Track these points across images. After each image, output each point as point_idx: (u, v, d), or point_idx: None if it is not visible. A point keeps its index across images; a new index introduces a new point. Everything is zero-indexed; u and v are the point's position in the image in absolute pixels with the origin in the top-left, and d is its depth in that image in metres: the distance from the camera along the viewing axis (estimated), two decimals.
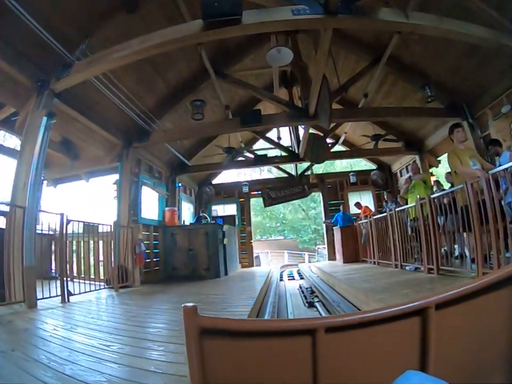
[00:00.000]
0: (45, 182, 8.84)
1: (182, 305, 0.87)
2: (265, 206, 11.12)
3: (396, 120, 8.95)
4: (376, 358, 0.98)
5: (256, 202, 31.79)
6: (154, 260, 8.40)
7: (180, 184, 9.87)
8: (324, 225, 11.38)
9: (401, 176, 11.04)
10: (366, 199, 11.66)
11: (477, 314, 1.05)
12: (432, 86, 6.43)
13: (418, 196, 5.61)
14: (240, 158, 9.90)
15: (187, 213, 10.93)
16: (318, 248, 14.71)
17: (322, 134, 9.08)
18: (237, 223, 11.19)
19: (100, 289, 5.75)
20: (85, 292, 5.06)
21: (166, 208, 8.98)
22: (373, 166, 11.89)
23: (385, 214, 7.28)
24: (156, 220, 8.67)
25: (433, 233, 5.06)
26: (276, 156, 9.13)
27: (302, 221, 29.90)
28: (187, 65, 7.36)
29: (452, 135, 4.57)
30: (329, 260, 10.93)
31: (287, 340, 0.96)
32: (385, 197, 8.48)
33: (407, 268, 6.09)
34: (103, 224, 6.25)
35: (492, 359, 1.06)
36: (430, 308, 0.98)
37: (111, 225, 6.27)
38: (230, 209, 11.62)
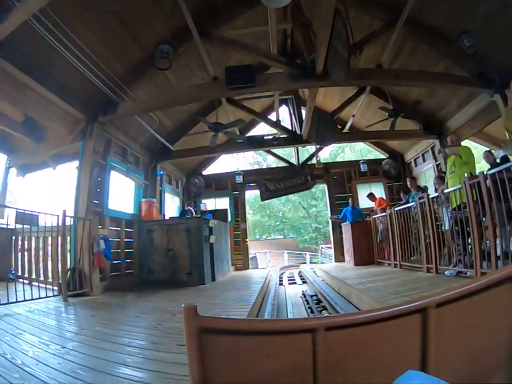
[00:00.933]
0: (13, 171, 7.67)
1: (183, 305, 0.89)
2: (262, 199, 9.63)
3: (413, 95, 7.48)
4: (377, 357, 0.98)
5: (254, 200, 30.69)
6: (127, 261, 6.92)
7: (162, 172, 8.39)
8: (330, 221, 9.88)
9: (415, 166, 9.64)
10: (377, 192, 10.16)
11: (478, 314, 1.04)
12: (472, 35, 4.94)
13: (466, 175, 4.12)
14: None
15: (172, 207, 9.45)
16: (322, 248, 13.18)
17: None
18: (229, 219, 9.71)
19: (45, 297, 4.43)
20: (16, 302, 3.81)
21: (143, 200, 7.49)
22: (383, 156, 10.44)
23: (411, 203, 5.81)
24: (129, 214, 7.18)
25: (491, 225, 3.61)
26: (273, 138, 7.65)
27: (303, 219, 28.61)
28: (164, 23, 5.92)
29: (508, 90, 3.82)
30: (336, 261, 9.42)
31: (287, 338, 0.97)
32: (408, 184, 6.98)
33: (446, 272, 4.63)
34: (46, 214, 4.78)
35: (493, 359, 1.04)
36: (431, 308, 0.99)
37: (57, 216, 4.77)
38: (222, 203, 10.13)
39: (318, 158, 7.33)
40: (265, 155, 23.07)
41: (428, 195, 5.13)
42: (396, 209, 6.37)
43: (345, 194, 10.10)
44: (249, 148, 7.54)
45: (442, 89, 6.74)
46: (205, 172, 10.81)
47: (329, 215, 9.81)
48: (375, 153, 11.16)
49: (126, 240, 6.98)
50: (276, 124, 8.01)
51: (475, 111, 6.57)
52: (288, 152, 12.67)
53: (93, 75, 5.06)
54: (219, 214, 8.73)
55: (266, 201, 30.60)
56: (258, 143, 7.43)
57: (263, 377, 0.93)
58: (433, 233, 4.98)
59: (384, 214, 7.05)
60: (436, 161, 8.41)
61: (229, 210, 9.81)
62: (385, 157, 10.27)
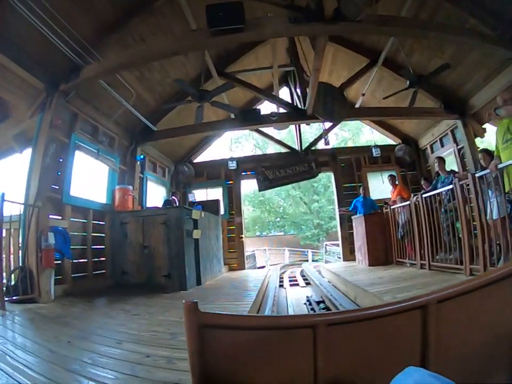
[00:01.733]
0: None
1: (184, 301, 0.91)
2: (260, 189, 8.42)
3: (433, 68, 6.27)
4: (378, 352, 0.99)
5: (253, 194, 29.50)
6: (96, 260, 5.76)
7: (142, 156, 7.19)
8: (338, 215, 8.64)
9: (432, 152, 8.42)
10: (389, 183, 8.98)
11: (479, 311, 1.04)
12: None
13: None
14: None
15: (157, 198, 8.24)
16: (326, 245, 11.95)
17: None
18: (222, 211, 8.50)
19: None
20: None
21: (117, 187, 6.30)
22: (393, 142, 9.25)
23: (443, 189, 4.63)
24: (99, 203, 5.99)
25: None
26: (272, 113, 6.41)
27: (304, 215, 27.52)
28: None
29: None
30: (344, 260, 8.20)
31: (288, 333, 0.98)
32: (435, 166, 5.73)
33: None
34: None
35: (493, 355, 1.04)
36: (431, 304, 1.00)
37: None
38: (214, 194, 8.92)
39: (327, 139, 6.08)
40: (265, 143, 21.53)
41: (474, 174, 3.90)
42: (424, 196, 5.15)
43: (355, 184, 8.90)
44: (243, 124, 6.31)
45: (469, 58, 5.69)
46: (195, 160, 9.60)
47: (337, 207, 8.57)
48: (385, 141, 9.88)
49: (94, 234, 5.79)
50: (275, 98, 6.78)
51: (508, 82, 5.35)
52: (288, 137, 11.42)
53: (55, 35, 4.13)
54: (210, 206, 7.53)
55: (266, 196, 29.77)
56: (254, 119, 6.21)
57: (264, 369, 0.94)
58: (481, 225, 3.78)
59: (406, 203, 5.84)
60: (458, 145, 7.25)
61: (222, 202, 8.61)
62: (396, 144, 9.07)
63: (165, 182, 8.78)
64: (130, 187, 6.46)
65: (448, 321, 1.01)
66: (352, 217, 7.48)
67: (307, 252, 18.83)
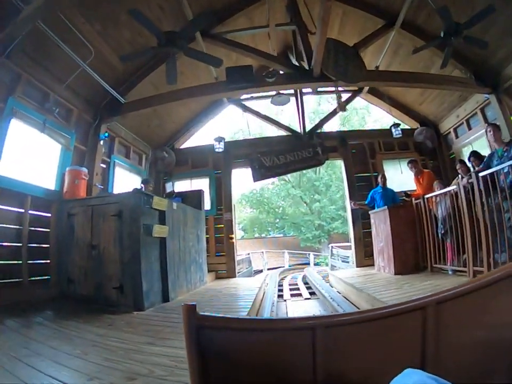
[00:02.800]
0: None
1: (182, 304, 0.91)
2: (255, 179, 6.88)
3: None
4: (377, 354, 0.99)
5: (251, 195, 27.94)
6: (35, 262, 4.30)
7: (106, 134, 5.69)
8: (349, 210, 7.07)
9: (456, 137, 7.07)
10: (408, 173, 7.47)
11: (478, 312, 1.03)
12: None
13: None
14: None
15: (130, 188, 6.68)
16: (332, 247, 10.32)
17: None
18: (208, 206, 6.99)
19: None
20: None
21: (67, 169, 4.81)
22: (407, 127, 7.83)
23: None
24: (42, 188, 4.52)
25: None
26: (269, 72, 4.90)
27: (305, 216, 25.99)
28: None
29: None
30: (358, 266, 6.65)
31: (287, 335, 0.98)
32: (489, 136, 4.17)
33: None
34: None
35: (493, 356, 1.01)
36: (430, 306, 0.99)
37: None
38: (200, 186, 7.40)
39: (341, 103, 4.56)
40: (262, 128, 19.82)
41: None
42: (480, 174, 3.64)
43: (369, 173, 7.41)
44: (230, 86, 4.78)
45: (503, 16, 4.48)
46: (179, 146, 8.10)
47: (348, 201, 7.03)
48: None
49: (34, 229, 4.30)
50: (272, 57, 5.28)
51: None
52: (288, 118, 9.88)
53: None
54: (191, 198, 6.01)
55: (264, 196, 28.20)
56: (245, 80, 4.69)
57: (263, 370, 0.94)
58: None
59: (451, 188, 4.33)
60: None
61: (208, 195, 7.10)
62: (415, 128, 7.60)
63: (140, 170, 7.26)
64: (84, 169, 4.95)
65: (447, 323, 0.99)
66: (370, 212, 5.96)
67: (308, 254, 17.28)
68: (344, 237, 26.15)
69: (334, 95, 5.25)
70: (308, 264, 16.51)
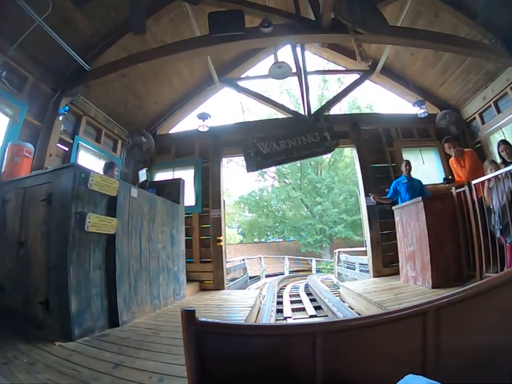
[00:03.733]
0: None
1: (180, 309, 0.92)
2: (249, 169, 5.61)
3: None
4: (378, 360, 0.99)
5: (251, 198, 26.67)
6: None
7: (67, 108, 4.47)
8: (364, 207, 5.74)
9: (483, 123, 5.91)
10: (430, 164, 6.30)
11: (479, 317, 1.01)
12: None
13: None
14: None
15: None
16: (339, 252, 8.88)
17: None
18: (193, 202, 5.75)
19: None
20: None
21: (9, 144, 3.62)
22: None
23: None
24: None
25: None
26: (264, 21, 3.66)
27: (306, 220, 24.72)
28: None
29: None
30: (376, 276, 5.33)
31: (287, 340, 0.98)
32: None
33: None
34: None
35: (494, 362, 1.00)
36: (431, 312, 0.99)
37: None
38: (184, 177, 6.18)
39: (364, 55, 3.32)
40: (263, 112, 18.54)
41: None
42: None
43: (386, 164, 6.18)
44: (214, 36, 3.56)
45: None
46: (162, 131, 6.90)
47: (363, 194, 5.74)
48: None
49: None
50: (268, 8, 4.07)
51: None
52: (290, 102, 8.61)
53: None
54: (169, 189, 4.78)
55: (263, 198, 26.89)
56: (233, 28, 3.47)
57: (262, 378, 0.94)
58: None
59: (506, 169, 3.10)
60: None
61: (193, 189, 5.86)
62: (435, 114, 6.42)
63: (115, 158, 6.01)
64: (29, 145, 3.74)
65: (448, 329, 0.99)
66: (394, 208, 4.71)
67: (310, 260, 15.97)
68: (347, 242, 24.91)
69: (341, 78, 4.09)
70: (310, 270, 15.17)
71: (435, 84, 6.45)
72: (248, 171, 5.59)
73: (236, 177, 38.81)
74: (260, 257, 12.02)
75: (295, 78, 6.35)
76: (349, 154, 28.27)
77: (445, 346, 0.98)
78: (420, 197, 3.98)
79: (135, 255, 3.37)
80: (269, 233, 28.36)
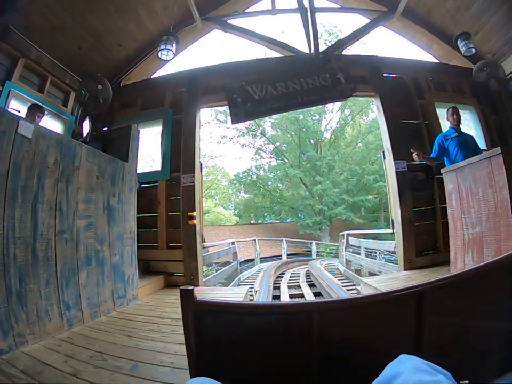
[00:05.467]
0: None
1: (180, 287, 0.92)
2: (235, 119, 4.05)
3: None
4: (372, 339, 0.98)
5: (247, 177, 25.21)
6: None
7: None
8: (393, 174, 4.16)
9: None
10: (468, 126, 4.84)
11: (474, 300, 1.01)
12: None
13: None
14: None
15: None
16: (348, 236, 7.29)
17: None
18: (160, 166, 4.26)
19: None
20: None
21: None
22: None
23: None
24: None
25: None
26: None
27: (304, 200, 23.39)
28: None
29: None
30: (407, 268, 3.87)
31: (284, 319, 0.97)
32: None
33: None
34: None
35: (488, 343, 1.00)
36: (426, 293, 0.98)
37: None
38: (150, 136, 4.66)
39: None
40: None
41: None
42: None
43: (416, 120, 4.70)
44: None
45: None
46: (127, 82, 5.35)
47: (390, 158, 4.22)
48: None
49: None
50: None
51: None
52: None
53: None
54: (120, 143, 3.28)
55: (259, 176, 25.38)
56: None
57: (258, 351, 0.95)
58: None
59: None
60: None
61: (159, 148, 4.36)
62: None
63: (65, 114, 4.54)
64: None
65: (443, 310, 0.98)
66: (445, 170, 3.21)
67: (310, 243, 14.62)
68: (347, 224, 23.68)
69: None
70: (310, 254, 13.84)
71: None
72: (233, 122, 4.09)
73: (231, 154, 37.39)
74: (255, 240, 10.60)
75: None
76: (350, 132, 26.89)
77: (439, 327, 0.97)
78: (498, 148, 2.50)
79: (23, 236, 1.93)
80: (265, 214, 27.14)
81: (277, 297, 5.04)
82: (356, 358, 0.94)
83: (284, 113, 22.64)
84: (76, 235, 2.39)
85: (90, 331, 2.22)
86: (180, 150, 4.27)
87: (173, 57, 4.00)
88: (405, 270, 3.86)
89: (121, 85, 5.32)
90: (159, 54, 3.88)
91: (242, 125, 24.35)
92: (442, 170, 3.22)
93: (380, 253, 7.44)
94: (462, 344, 0.99)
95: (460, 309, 1.00)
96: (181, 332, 1.96)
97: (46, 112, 3.63)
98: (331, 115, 25.06)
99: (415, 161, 4.21)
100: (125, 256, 2.96)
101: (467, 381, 0.94)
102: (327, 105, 24.50)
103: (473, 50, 4.44)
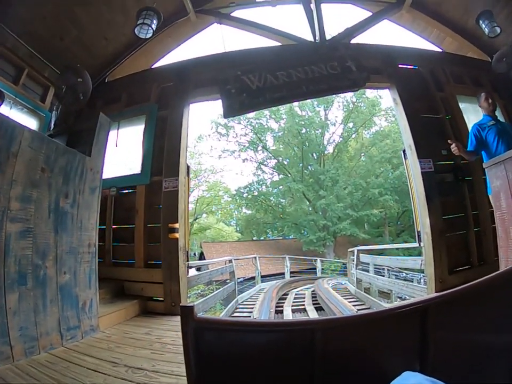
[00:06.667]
0: None
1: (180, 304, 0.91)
2: (227, 114, 3.45)
3: None
4: (375, 356, 0.96)
5: (245, 191, 24.64)
6: None
7: None
8: (418, 175, 3.47)
9: None
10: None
11: (478, 314, 0.99)
12: None
13: None
14: None
15: None
16: (359, 252, 6.53)
17: None
18: (138, 169, 3.63)
19: None
20: None
21: None
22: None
23: None
24: None
25: None
26: None
27: (308, 215, 22.67)
28: None
29: None
30: (438, 289, 3.15)
31: (286, 336, 0.96)
32: None
33: None
34: None
35: (494, 358, 0.98)
36: (430, 308, 0.96)
37: None
38: (133, 134, 4.07)
39: None
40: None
41: None
42: None
43: (437, 115, 4.09)
44: None
45: None
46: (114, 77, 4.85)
47: (413, 157, 3.55)
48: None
49: None
50: None
51: None
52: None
53: None
54: (79, 130, 2.66)
55: (261, 191, 24.75)
56: None
57: (259, 370, 0.92)
58: None
59: None
60: None
61: (141, 148, 3.75)
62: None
63: (41, 109, 4.02)
64: None
65: (447, 326, 0.96)
66: (488, 165, 2.53)
67: (315, 260, 13.80)
68: (351, 240, 22.88)
69: None
70: (315, 273, 13.01)
71: None
72: (226, 116, 3.50)
73: (232, 169, 36.88)
74: (255, 257, 9.84)
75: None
76: (354, 145, 26.41)
77: (443, 343, 0.95)
78: None
79: None
80: (268, 230, 26.38)
81: None
82: (359, 375, 0.92)
83: (287, 126, 22.36)
84: (4, 243, 1.75)
85: (13, 375, 1.58)
86: (164, 150, 3.63)
87: (152, 35, 3.41)
88: (436, 291, 3.12)
89: (106, 81, 4.82)
90: (137, 30, 3.30)
91: (243, 139, 23.98)
92: (485, 164, 2.55)
93: (388, 270, 6.71)
94: (467, 359, 0.96)
95: (464, 324, 0.98)
96: None
97: (6, 99, 3.05)
98: (334, 128, 24.70)
99: (440, 160, 3.62)
100: (80, 275, 2.27)
101: None
102: (329, 118, 24.36)
103: (498, 29, 3.87)
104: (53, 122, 3.61)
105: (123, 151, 4.04)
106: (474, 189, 3.69)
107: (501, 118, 4.24)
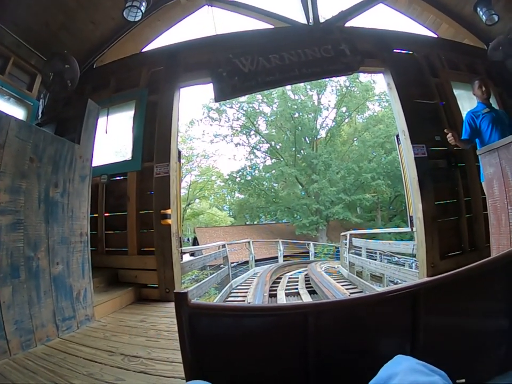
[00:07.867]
0: None
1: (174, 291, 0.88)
2: (218, 97, 3.41)
3: None
4: (368, 340, 0.97)
5: (238, 176, 24.53)
6: None
7: None
8: (411, 161, 3.49)
9: None
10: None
11: (470, 299, 1.00)
12: None
13: None
14: None
15: None
16: (352, 236, 6.62)
17: None
18: (129, 155, 3.57)
19: None
20: None
21: None
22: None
23: None
24: None
25: None
26: None
27: (300, 200, 22.76)
28: None
29: None
30: (430, 273, 3.20)
31: (279, 320, 0.96)
32: None
33: None
34: None
35: (483, 345, 1.00)
36: (421, 292, 0.96)
37: None
38: (122, 121, 3.97)
39: None
40: None
41: None
42: None
43: (432, 101, 4.06)
44: None
45: None
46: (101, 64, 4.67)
47: (406, 142, 3.55)
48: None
49: None
50: None
51: None
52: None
53: None
54: (67, 118, 2.58)
55: (254, 175, 24.67)
56: None
57: (254, 353, 0.94)
58: None
59: None
60: None
61: (131, 134, 3.68)
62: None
63: (29, 98, 3.89)
64: None
65: (438, 310, 0.97)
66: (482, 152, 2.54)
67: (308, 244, 13.97)
68: (344, 224, 23.17)
69: None
70: (308, 256, 13.19)
71: None
72: (217, 99, 3.44)
73: (225, 154, 36.57)
74: (249, 242, 9.89)
75: None
76: (347, 129, 26.34)
77: (434, 327, 0.96)
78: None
79: None
80: (261, 214, 26.45)
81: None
82: (351, 358, 0.93)
83: (279, 110, 22.12)
84: None
85: (10, 369, 1.57)
86: (155, 136, 3.56)
87: (141, 18, 3.28)
88: (428, 276, 3.19)
89: (94, 66, 4.66)
90: (125, 13, 3.17)
91: (236, 123, 23.73)
92: (479, 151, 2.56)
93: (380, 254, 6.80)
94: (458, 343, 0.98)
95: (455, 308, 1.00)
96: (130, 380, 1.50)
97: None
98: (327, 112, 24.54)
99: (434, 146, 3.63)
100: (73, 265, 2.25)
101: (463, 380, 0.87)
102: (322, 102, 24.15)
103: (496, 17, 3.82)
104: (40, 111, 3.48)
105: (113, 137, 3.96)
106: (467, 175, 3.72)
107: (495, 105, 4.28)
